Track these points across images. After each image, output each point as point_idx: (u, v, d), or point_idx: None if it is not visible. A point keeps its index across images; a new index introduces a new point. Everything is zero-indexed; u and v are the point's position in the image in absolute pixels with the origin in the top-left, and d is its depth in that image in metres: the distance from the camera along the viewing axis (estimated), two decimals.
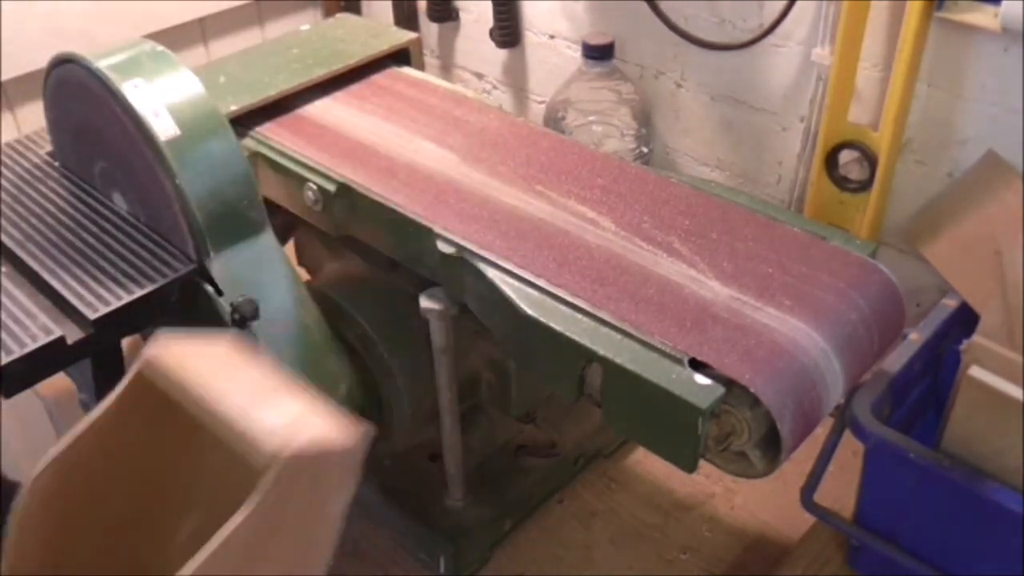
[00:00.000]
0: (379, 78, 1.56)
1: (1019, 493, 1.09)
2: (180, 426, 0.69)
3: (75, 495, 0.68)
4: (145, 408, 0.70)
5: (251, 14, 2.21)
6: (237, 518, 0.59)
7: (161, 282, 1.19)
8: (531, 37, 2.02)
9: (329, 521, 0.66)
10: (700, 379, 0.95)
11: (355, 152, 1.35)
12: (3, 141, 1.48)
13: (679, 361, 0.97)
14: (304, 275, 1.57)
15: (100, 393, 1.30)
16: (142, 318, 1.23)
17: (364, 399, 1.33)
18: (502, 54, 2.09)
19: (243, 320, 1.21)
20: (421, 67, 1.64)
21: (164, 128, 1.20)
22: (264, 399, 0.63)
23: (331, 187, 1.28)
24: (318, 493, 0.63)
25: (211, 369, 0.67)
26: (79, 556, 0.69)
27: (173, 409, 0.69)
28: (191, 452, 0.71)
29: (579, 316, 1.05)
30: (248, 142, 1.39)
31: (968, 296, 1.36)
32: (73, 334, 1.13)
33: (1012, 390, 1.07)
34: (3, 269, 1.22)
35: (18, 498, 0.65)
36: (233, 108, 1.40)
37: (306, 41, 1.61)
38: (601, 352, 1.00)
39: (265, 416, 0.61)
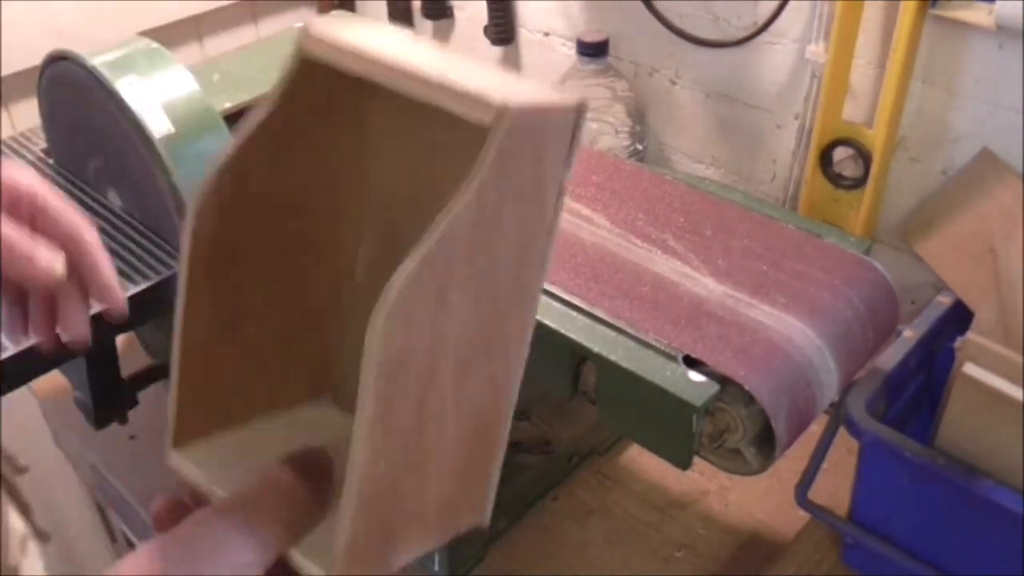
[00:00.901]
0: None
1: (1014, 491, 1.09)
2: (348, 125, 0.63)
3: (245, 202, 0.62)
4: (310, 100, 0.62)
5: (245, 12, 2.21)
6: (473, 180, 0.51)
7: (156, 279, 1.19)
8: (525, 35, 2.02)
9: (552, 195, 0.58)
10: (694, 376, 0.95)
11: None
12: None
13: (673, 358, 0.97)
14: None
15: (95, 391, 1.30)
16: (137, 316, 1.23)
17: None
18: (496, 51, 2.09)
19: None
20: None
21: (159, 125, 1.20)
22: (461, 67, 0.55)
23: None
24: (540, 160, 0.56)
25: (389, 42, 0.57)
26: (248, 272, 0.64)
27: (338, 104, 0.63)
28: (363, 160, 0.64)
29: (573, 313, 1.05)
30: None
31: (963, 293, 1.36)
32: None
33: (1007, 387, 1.07)
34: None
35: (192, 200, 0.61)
36: (228, 105, 1.40)
37: None
38: (595, 350, 1.00)
39: (472, 77, 0.53)
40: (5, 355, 1.06)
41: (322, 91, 0.63)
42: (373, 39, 0.57)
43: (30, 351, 1.08)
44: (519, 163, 0.53)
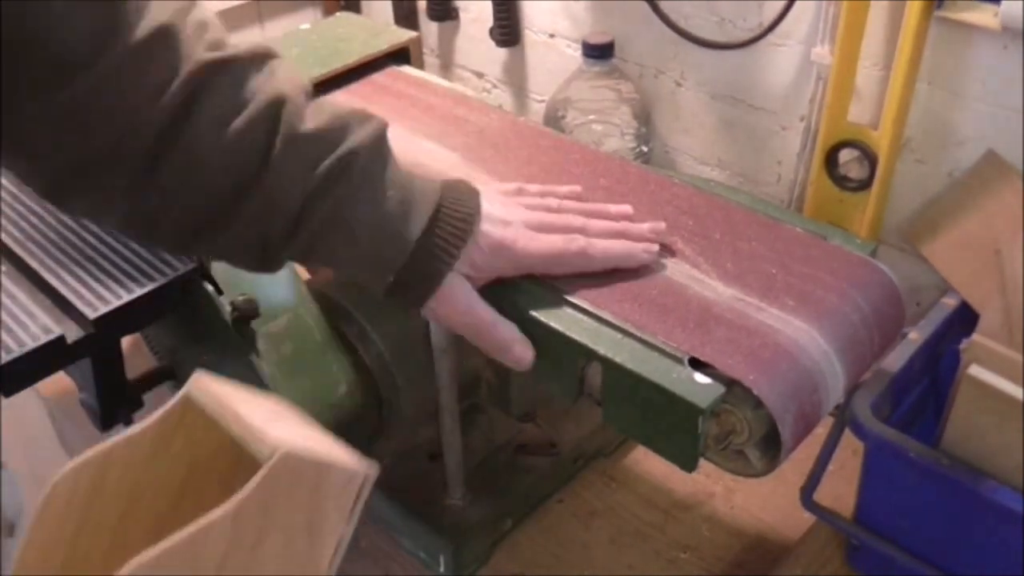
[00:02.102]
0: (379, 77, 1.56)
1: (1019, 492, 1.09)
2: (216, 465, 0.70)
3: (99, 500, 0.68)
4: (186, 434, 0.70)
5: (251, 13, 2.21)
6: (223, 509, 0.59)
7: (161, 281, 1.19)
8: (531, 36, 2.02)
9: (319, 559, 0.66)
10: (700, 378, 0.95)
11: None
12: None
13: (679, 360, 0.97)
14: (304, 274, 1.57)
15: (100, 392, 1.31)
16: (142, 317, 1.23)
17: (364, 399, 1.33)
18: (502, 53, 2.09)
19: (243, 319, 1.21)
20: (421, 66, 1.64)
21: None
22: (288, 425, 0.65)
23: None
24: (311, 515, 0.64)
25: (250, 401, 0.68)
26: (86, 561, 0.69)
27: (213, 449, 0.70)
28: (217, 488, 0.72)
29: (579, 315, 1.05)
30: None
31: (967, 295, 1.36)
32: (73, 333, 1.13)
33: (1012, 389, 1.07)
34: (3, 268, 1.22)
35: (43, 491, 0.67)
36: None
37: (306, 40, 1.61)
38: (601, 351, 1.00)
39: (280, 429, 0.63)
40: (8, 358, 1.06)
41: (201, 423, 0.70)
42: (246, 398, 0.68)
43: (32, 354, 1.08)
44: (289, 501, 0.62)
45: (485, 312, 1.06)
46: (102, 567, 0.69)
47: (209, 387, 0.69)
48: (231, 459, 0.69)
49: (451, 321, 1.07)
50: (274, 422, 0.65)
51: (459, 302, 1.04)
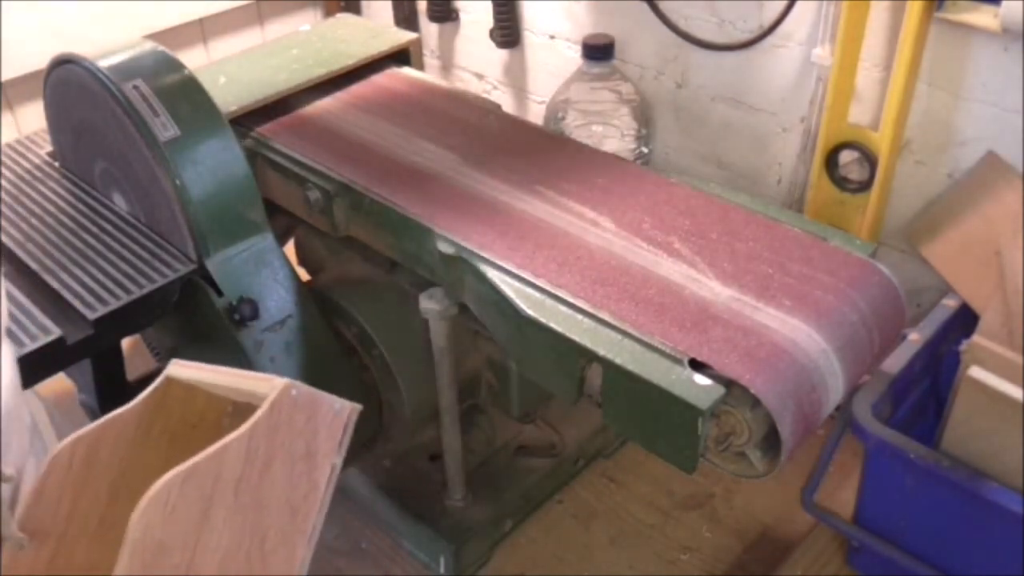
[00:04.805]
0: (379, 78, 1.56)
1: (1018, 493, 1.09)
2: (194, 445, 0.74)
3: (93, 473, 0.74)
4: (166, 417, 0.76)
5: (251, 14, 2.22)
6: (239, 431, 0.65)
7: (161, 282, 1.19)
8: (531, 37, 2.02)
9: (317, 483, 0.72)
10: (700, 379, 0.95)
11: (355, 152, 1.35)
12: (3, 141, 1.48)
13: (679, 361, 0.97)
14: (304, 275, 1.57)
15: (101, 393, 1.31)
16: (142, 318, 1.23)
17: (364, 399, 1.33)
18: (502, 54, 2.09)
19: (243, 320, 1.21)
20: (421, 67, 1.64)
21: (164, 128, 1.20)
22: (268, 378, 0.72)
23: (331, 187, 1.28)
24: (308, 443, 0.70)
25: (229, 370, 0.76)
26: (81, 532, 0.74)
27: (189, 429, 0.76)
28: None
29: (579, 317, 1.05)
30: (248, 142, 1.39)
31: (968, 297, 1.36)
32: (73, 334, 1.13)
33: (1012, 390, 1.07)
34: (3, 269, 1.22)
35: (41, 465, 0.71)
36: (233, 108, 1.40)
37: (306, 41, 1.61)
38: (601, 353, 0.99)
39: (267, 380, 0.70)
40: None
41: (179, 406, 0.78)
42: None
43: (32, 355, 1.08)
44: (290, 427, 0.69)
45: None
46: (96, 536, 0.74)
47: (188, 367, 0.76)
48: (209, 436, 0.73)
49: None
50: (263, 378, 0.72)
51: None
